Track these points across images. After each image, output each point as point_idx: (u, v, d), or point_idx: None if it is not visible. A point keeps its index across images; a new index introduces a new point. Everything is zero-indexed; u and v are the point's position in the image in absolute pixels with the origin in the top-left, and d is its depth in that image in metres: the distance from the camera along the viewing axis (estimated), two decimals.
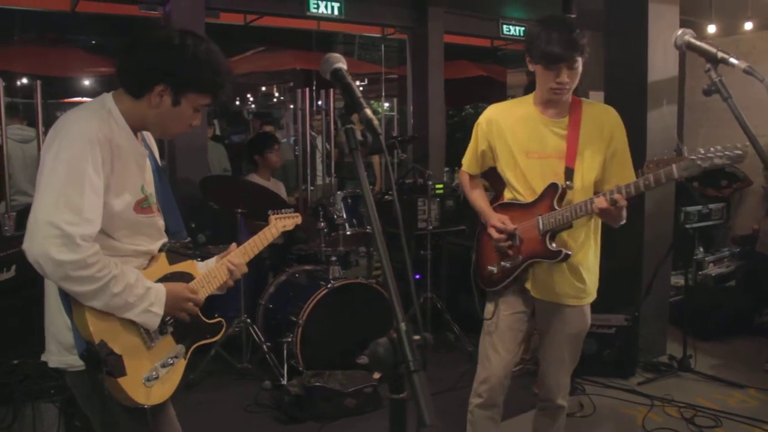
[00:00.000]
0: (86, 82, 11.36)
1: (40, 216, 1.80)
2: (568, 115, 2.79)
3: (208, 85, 2.06)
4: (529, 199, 2.83)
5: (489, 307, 2.98)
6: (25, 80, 9.56)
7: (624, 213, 2.65)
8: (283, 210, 2.76)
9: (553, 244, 2.75)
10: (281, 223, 2.71)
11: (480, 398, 2.97)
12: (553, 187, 2.75)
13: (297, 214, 2.80)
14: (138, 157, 2.10)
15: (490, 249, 2.93)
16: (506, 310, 2.94)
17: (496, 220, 2.85)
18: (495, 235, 2.84)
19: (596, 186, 2.81)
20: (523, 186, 2.85)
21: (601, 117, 2.82)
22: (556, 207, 2.73)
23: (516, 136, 2.83)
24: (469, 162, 3.07)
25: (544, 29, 2.64)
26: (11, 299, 3.69)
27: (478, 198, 3.05)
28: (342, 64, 1.62)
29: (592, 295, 2.92)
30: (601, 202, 2.56)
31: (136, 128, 2.09)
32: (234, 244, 2.46)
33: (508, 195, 2.94)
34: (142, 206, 2.08)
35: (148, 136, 2.23)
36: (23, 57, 8.83)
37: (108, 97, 2.06)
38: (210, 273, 2.30)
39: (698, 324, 5.21)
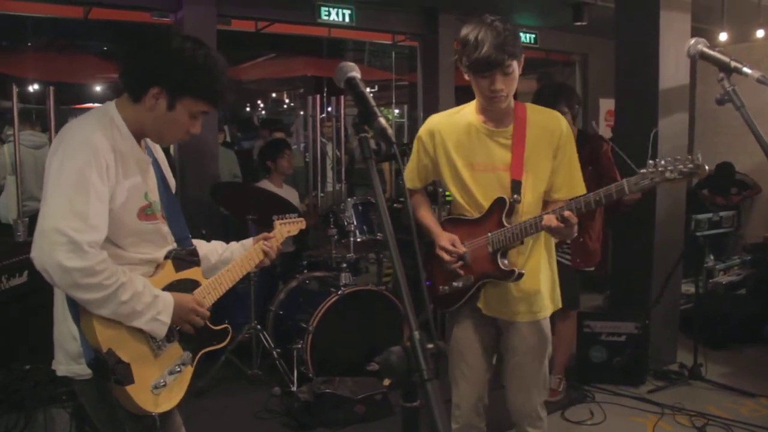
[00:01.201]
0: (98, 89, 11.42)
1: (47, 224, 1.81)
2: (513, 124, 2.65)
3: (203, 91, 2.05)
4: (476, 214, 2.69)
5: (449, 330, 2.87)
6: (37, 86, 9.62)
7: (576, 228, 2.52)
8: (287, 215, 2.75)
9: (505, 262, 2.63)
10: (286, 228, 2.71)
11: (456, 423, 2.86)
12: (500, 202, 2.62)
13: (301, 218, 2.79)
14: (141, 164, 2.10)
15: (441, 269, 2.75)
16: (465, 331, 2.81)
17: (446, 241, 2.68)
18: (445, 257, 2.66)
19: (545, 196, 2.70)
20: (468, 201, 2.71)
21: (547, 123, 2.67)
22: (506, 223, 2.60)
23: (460, 148, 2.69)
24: (411, 177, 2.87)
25: (472, 34, 2.50)
26: (23, 304, 3.72)
27: (425, 215, 2.87)
28: (356, 73, 1.63)
29: (549, 307, 2.79)
30: (550, 220, 2.45)
31: (138, 135, 2.10)
32: (264, 234, 2.54)
33: (454, 210, 2.82)
34: (146, 213, 2.08)
35: (152, 143, 2.24)
36: (36, 63, 8.91)
37: (111, 105, 2.08)
38: (215, 281, 2.30)
39: (709, 332, 5.18)
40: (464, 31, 2.56)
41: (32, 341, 3.36)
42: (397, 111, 12.65)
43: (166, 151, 6.99)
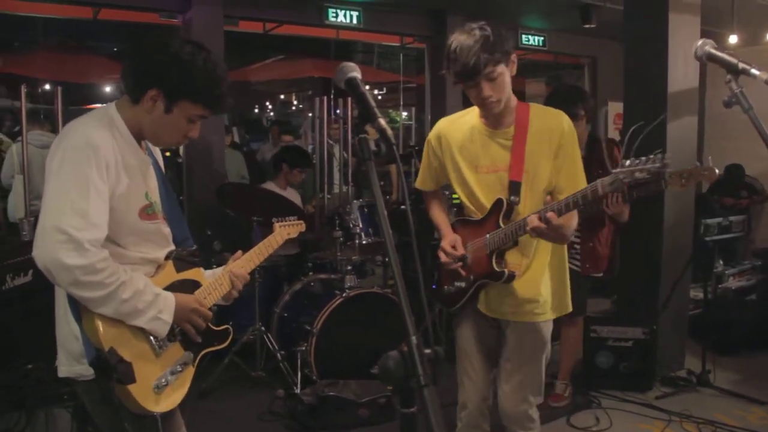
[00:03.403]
0: (107, 89, 11.47)
1: (48, 222, 1.82)
2: (514, 125, 2.63)
3: (202, 95, 2.04)
4: (480, 215, 2.70)
5: (454, 330, 2.89)
6: (47, 87, 9.66)
7: (566, 232, 2.49)
8: (288, 218, 2.74)
9: (501, 264, 2.63)
10: (285, 230, 2.70)
11: (461, 422, 2.88)
12: (498, 203, 2.62)
13: (301, 221, 2.79)
14: (141, 165, 2.10)
15: (446, 269, 2.78)
16: (467, 332, 2.83)
17: (447, 242, 2.71)
18: (442, 258, 2.70)
19: (546, 201, 2.66)
20: (472, 202, 2.73)
21: (549, 123, 2.63)
22: (501, 224, 2.60)
23: (464, 151, 2.70)
24: (422, 179, 2.93)
25: (452, 45, 2.49)
26: (28, 303, 3.72)
27: (437, 216, 2.92)
28: (356, 74, 1.61)
29: (549, 312, 2.75)
30: (532, 221, 2.42)
31: (138, 136, 2.09)
32: (239, 252, 2.45)
33: (462, 211, 2.84)
34: (147, 212, 2.08)
35: (153, 145, 2.24)
36: (46, 63, 8.94)
37: (111, 106, 2.08)
38: (217, 281, 2.30)
39: (718, 338, 5.13)
40: (448, 42, 2.55)
41: (36, 340, 3.35)
42: (405, 113, 12.64)
43: (174, 152, 7.02)
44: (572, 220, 2.54)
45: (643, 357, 4.62)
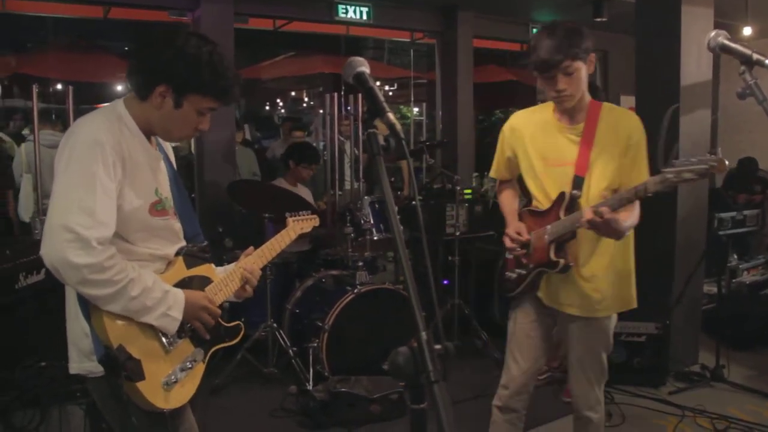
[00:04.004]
0: (119, 88, 11.50)
1: (55, 221, 1.82)
2: (584, 122, 2.74)
3: (209, 88, 2.03)
4: (546, 206, 2.80)
5: (510, 314, 2.98)
6: (59, 86, 9.70)
7: (622, 226, 2.52)
8: (301, 212, 2.73)
9: (558, 254, 2.71)
10: (299, 225, 2.69)
11: (499, 401, 2.97)
12: (561, 196, 2.72)
13: (315, 216, 2.78)
14: (151, 161, 2.10)
15: (509, 255, 2.94)
16: (523, 318, 2.92)
17: (512, 228, 2.84)
18: (507, 243, 2.83)
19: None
20: (540, 193, 2.83)
21: (619, 122, 2.73)
22: (562, 216, 2.69)
23: (535, 143, 2.82)
24: (496, 168, 3.07)
25: (534, 38, 2.64)
26: (41, 301, 3.74)
27: (504, 203, 3.05)
28: (365, 68, 1.60)
29: (611, 307, 2.82)
30: (587, 214, 2.49)
31: (147, 132, 2.09)
32: (251, 248, 2.44)
33: (530, 202, 2.94)
34: (156, 209, 2.08)
35: (163, 141, 2.24)
36: (56, 63, 8.96)
37: (119, 103, 2.08)
38: (228, 277, 2.29)
39: (732, 333, 5.10)
40: (538, 31, 2.74)
41: (49, 338, 3.36)
42: (416, 109, 12.61)
43: (187, 156, 7.00)
44: (630, 216, 2.60)
45: (657, 352, 4.60)
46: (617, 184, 2.71)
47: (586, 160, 2.70)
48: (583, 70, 2.63)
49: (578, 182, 2.70)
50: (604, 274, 2.75)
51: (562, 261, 2.69)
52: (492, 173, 3.10)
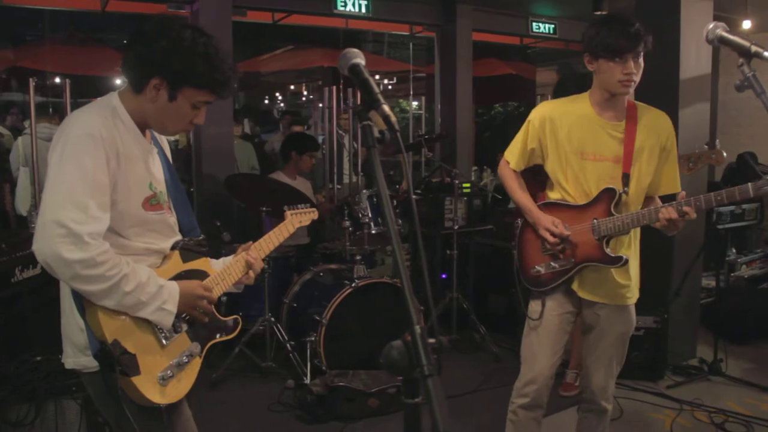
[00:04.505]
0: (117, 81, 11.48)
1: (47, 216, 1.80)
2: (625, 119, 2.75)
3: (204, 81, 2.01)
4: (581, 201, 2.79)
5: (535, 307, 2.93)
6: (57, 80, 9.68)
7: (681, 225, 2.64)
8: (299, 205, 2.72)
9: (609, 250, 2.73)
10: (297, 218, 2.67)
11: (525, 398, 2.93)
12: (609, 192, 2.72)
13: (314, 209, 2.76)
14: (145, 154, 2.08)
15: (535, 248, 2.90)
16: (555, 310, 2.89)
17: (550, 222, 2.79)
18: (550, 238, 2.78)
19: (646, 191, 2.81)
20: (574, 187, 2.81)
21: (657, 122, 2.79)
22: (614, 212, 2.70)
23: (571, 136, 2.78)
24: (517, 158, 2.96)
25: (606, 24, 2.64)
26: (36, 296, 3.73)
27: (525, 196, 2.97)
28: (360, 60, 1.59)
29: (636, 295, 2.91)
30: (670, 213, 2.56)
31: (141, 125, 2.07)
32: (250, 243, 2.42)
33: (553, 195, 2.90)
34: (151, 203, 2.06)
35: (158, 134, 2.22)
36: (53, 56, 8.95)
37: (113, 95, 2.06)
38: (226, 270, 2.27)
39: (730, 327, 5.10)
40: (596, 22, 2.70)
41: (45, 333, 3.36)
42: (415, 103, 12.60)
43: (187, 149, 7.00)
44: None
45: (655, 346, 4.59)
46: (651, 182, 2.78)
47: (630, 158, 2.72)
48: (642, 64, 2.66)
49: (626, 179, 2.72)
50: (633, 264, 2.84)
51: (624, 256, 2.72)
52: (513, 164, 2.97)
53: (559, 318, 2.90)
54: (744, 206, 5.33)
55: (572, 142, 2.78)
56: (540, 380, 2.90)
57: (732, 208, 5.24)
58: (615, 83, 2.66)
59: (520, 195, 2.97)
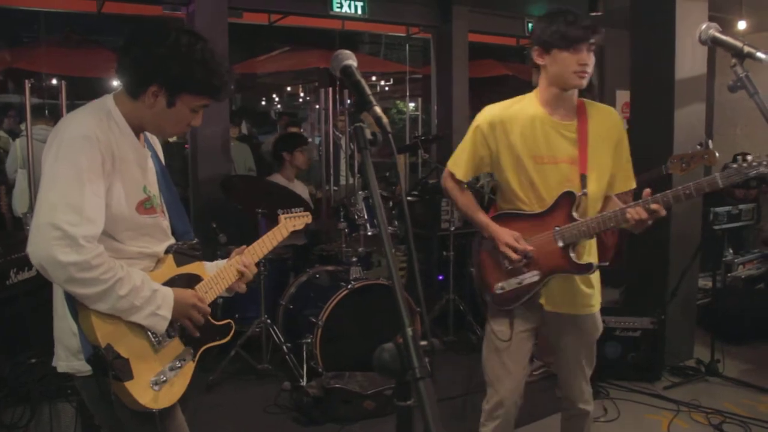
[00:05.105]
0: (114, 83, 11.46)
1: (42, 218, 1.79)
2: (576, 118, 2.65)
3: (203, 87, 2.01)
4: (537, 208, 2.66)
5: (501, 327, 2.77)
6: (54, 81, 9.67)
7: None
8: (293, 209, 2.72)
9: (575, 257, 2.62)
10: (291, 222, 2.67)
11: (496, 421, 2.81)
12: (568, 195, 2.59)
13: (307, 213, 2.75)
14: (140, 158, 2.07)
15: (496, 265, 2.72)
16: (520, 327, 2.77)
17: (510, 238, 2.63)
18: (513, 256, 2.62)
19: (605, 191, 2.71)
20: (529, 194, 2.67)
21: (606, 119, 2.69)
22: (576, 217, 2.58)
23: (524, 139, 2.65)
24: (464, 168, 2.77)
25: (560, 15, 2.55)
26: (32, 298, 3.72)
27: (477, 210, 2.80)
28: (352, 61, 1.59)
29: (600, 300, 2.83)
30: (639, 213, 2.45)
31: (136, 129, 2.07)
32: (244, 246, 2.41)
33: (506, 205, 2.76)
34: (145, 207, 2.06)
35: (151, 136, 2.22)
36: (49, 58, 8.93)
37: (108, 98, 2.05)
38: (219, 274, 2.27)
39: (727, 327, 5.09)
40: (546, 15, 2.62)
41: (40, 335, 3.35)
42: (412, 104, 12.60)
43: (181, 145, 7.00)
44: None
45: (652, 347, 4.59)
46: (609, 183, 2.69)
47: (586, 158, 2.61)
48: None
49: (584, 181, 2.60)
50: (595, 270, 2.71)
51: (594, 263, 2.63)
52: (460, 175, 2.78)
53: (524, 335, 2.79)
54: (741, 206, 5.32)
55: (526, 145, 2.64)
56: (508, 403, 2.80)
57: (729, 208, 5.23)
58: (570, 74, 2.54)
59: (473, 210, 2.80)
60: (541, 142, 2.64)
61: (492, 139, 2.70)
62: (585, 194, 2.60)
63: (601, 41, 2.56)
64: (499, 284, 2.71)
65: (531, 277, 2.66)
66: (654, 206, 2.42)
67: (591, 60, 2.55)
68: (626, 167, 2.72)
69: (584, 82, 2.57)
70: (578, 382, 2.87)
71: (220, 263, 2.33)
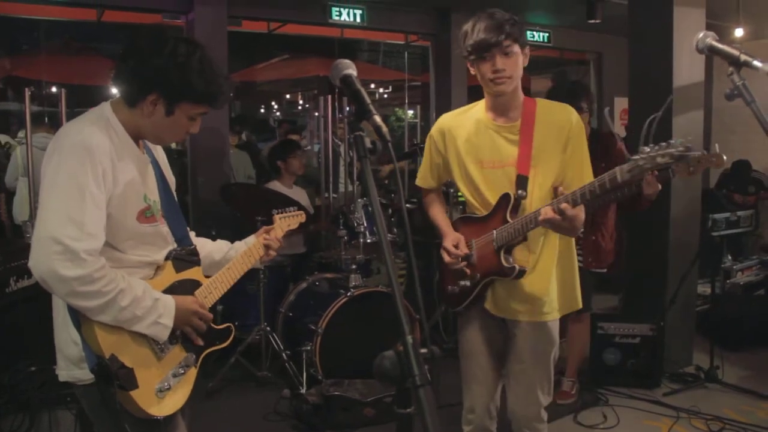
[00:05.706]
0: (114, 91, 11.46)
1: (43, 232, 1.79)
2: (520, 119, 2.60)
3: (201, 95, 2.02)
4: (485, 212, 2.67)
5: (464, 332, 2.83)
6: (54, 89, 9.69)
7: (578, 224, 2.46)
8: (287, 209, 2.73)
9: (510, 260, 2.58)
10: (286, 222, 2.69)
11: (469, 425, 2.84)
12: (505, 198, 2.58)
13: (301, 212, 2.77)
14: (140, 166, 2.07)
15: (449, 269, 2.74)
16: (474, 333, 2.79)
17: (449, 241, 2.67)
18: (446, 258, 2.66)
19: (558, 192, 2.59)
20: (476, 199, 2.69)
21: (556, 117, 2.61)
22: (509, 219, 2.56)
23: (469, 145, 2.66)
24: (423, 176, 2.87)
25: (469, 23, 2.54)
26: (31, 306, 3.72)
27: (436, 214, 2.87)
28: (351, 70, 1.60)
29: (557, 310, 2.72)
30: (546, 212, 2.38)
31: (135, 136, 2.07)
32: (264, 227, 2.58)
33: (467, 209, 2.79)
34: (146, 215, 2.06)
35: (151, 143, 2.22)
36: (49, 66, 8.96)
37: (106, 107, 2.05)
38: (217, 279, 2.29)
39: (726, 334, 5.09)
40: (464, 25, 2.59)
41: (40, 343, 3.35)
42: (411, 111, 12.63)
43: (180, 153, 7.00)
44: (582, 211, 2.50)
45: (651, 353, 4.59)
46: (561, 181, 2.60)
47: (528, 159, 2.56)
48: (520, 57, 2.54)
49: (522, 182, 2.56)
50: (552, 276, 2.67)
51: (517, 267, 2.57)
52: (418, 182, 2.90)
53: (481, 340, 2.77)
54: (739, 213, 5.35)
55: (470, 151, 2.65)
56: (478, 409, 2.80)
57: (727, 215, 5.26)
58: (487, 82, 2.54)
59: (433, 214, 2.88)
60: (486, 146, 2.64)
61: (442, 146, 2.75)
62: (522, 195, 2.56)
63: (519, 39, 2.52)
64: (450, 286, 2.78)
65: (471, 279, 2.68)
66: (563, 205, 2.36)
67: (509, 63, 2.51)
68: (579, 165, 2.61)
69: (505, 87, 2.53)
70: (520, 399, 2.75)
71: (249, 240, 2.50)
